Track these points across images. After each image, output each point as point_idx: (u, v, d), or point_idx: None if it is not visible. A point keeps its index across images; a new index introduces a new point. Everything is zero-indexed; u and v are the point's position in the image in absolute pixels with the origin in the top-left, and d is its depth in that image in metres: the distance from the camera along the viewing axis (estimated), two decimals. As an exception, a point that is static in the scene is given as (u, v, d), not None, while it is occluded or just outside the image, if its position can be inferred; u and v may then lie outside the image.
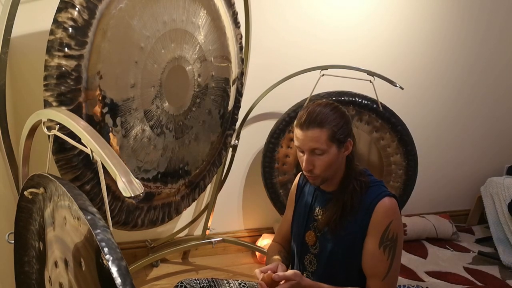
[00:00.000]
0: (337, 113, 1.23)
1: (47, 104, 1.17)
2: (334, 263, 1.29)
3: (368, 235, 1.21)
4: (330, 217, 1.26)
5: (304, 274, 1.35)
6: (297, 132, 1.23)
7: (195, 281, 1.39)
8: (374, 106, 2.14)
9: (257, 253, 2.40)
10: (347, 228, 1.24)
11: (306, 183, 1.42)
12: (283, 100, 2.27)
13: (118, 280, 0.66)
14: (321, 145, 1.20)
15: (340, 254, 1.27)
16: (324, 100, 1.30)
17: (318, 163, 1.22)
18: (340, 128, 1.21)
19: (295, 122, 1.26)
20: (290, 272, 1.17)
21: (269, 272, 1.17)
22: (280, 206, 2.28)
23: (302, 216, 1.39)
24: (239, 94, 2.02)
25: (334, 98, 2.11)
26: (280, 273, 1.16)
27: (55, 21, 1.16)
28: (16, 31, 1.22)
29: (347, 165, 1.28)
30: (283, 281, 1.15)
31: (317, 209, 1.34)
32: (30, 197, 0.95)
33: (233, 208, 2.52)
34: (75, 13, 1.17)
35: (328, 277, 1.27)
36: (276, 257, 1.39)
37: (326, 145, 1.20)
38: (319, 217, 1.32)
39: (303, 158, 1.23)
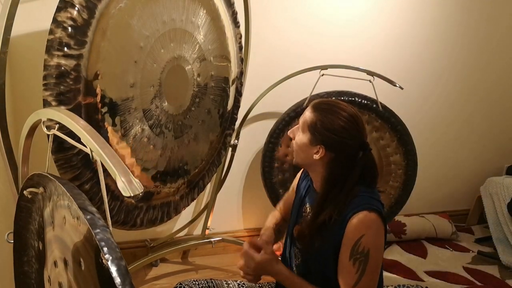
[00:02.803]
0: (340, 122, 1.18)
1: (46, 104, 1.17)
2: (312, 264, 1.29)
3: (342, 246, 1.18)
4: (308, 224, 1.25)
5: (292, 265, 1.37)
6: None
7: (194, 282, 1.39)
8: (374, 106, 2.14)
9: (256, 252, 2.40)
10: (324, 235, 1.22)
11: (304, 179, 1.43)
12: (283, 100, 2.26)
13: (117, 280, 0.66)
14: (302, 123, 1.25)
15: (318, 259, 1.26)
16: (358, 112, 1.26)
17: (295, 139, 1.28)
18: (323, 128, 1.18)
19: None
20: (267, 248, 1.30)
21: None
22: (279, 206, 2.27)
23: (295, 210, 1.40)
24: (239, 93, 2.02)
25: (333, 98, 2.11)
26: (260, 241, 1.34)
27: (55, 20, 1.16)
28: (15, 30, 1.21)
29: (329, 180, 1.22)
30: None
31: (307, 205, 1.34)
32: (29, 196, 0.95)
33: (232, 207, 2.52)
34: (75, 13, 1.17)
35: (308, 274, 1.28)
36: (269, 225, 1.47)
37: (304, 126, 1.24)
38: (306, 214, 1.33)
39: None
